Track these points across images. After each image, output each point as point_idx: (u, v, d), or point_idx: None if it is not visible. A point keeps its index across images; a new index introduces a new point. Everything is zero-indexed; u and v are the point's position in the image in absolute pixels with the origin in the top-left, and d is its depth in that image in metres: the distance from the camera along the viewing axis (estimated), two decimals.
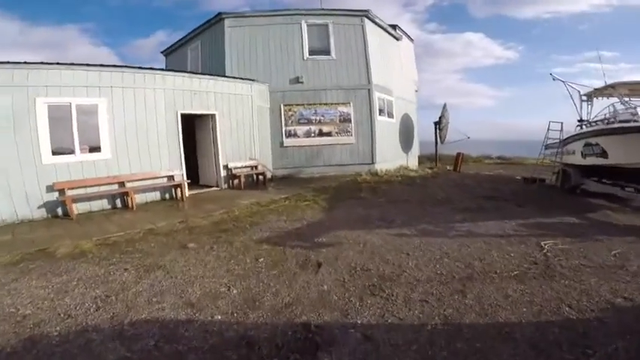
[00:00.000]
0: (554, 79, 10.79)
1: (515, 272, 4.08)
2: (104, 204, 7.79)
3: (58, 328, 2.99)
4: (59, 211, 7.19)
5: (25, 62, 6.93)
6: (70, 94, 7.32)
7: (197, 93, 9.63)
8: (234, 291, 3.74)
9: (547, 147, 12.09)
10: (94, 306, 3.38)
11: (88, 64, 7.66)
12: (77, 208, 7.31)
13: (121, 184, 7.90)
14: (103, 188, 7.64)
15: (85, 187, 7.41)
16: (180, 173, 9.03)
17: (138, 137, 8.27)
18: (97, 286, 3.85)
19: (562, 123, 10.91)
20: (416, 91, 19.38)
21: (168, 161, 8.83)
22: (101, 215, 7.27)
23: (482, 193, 9.82)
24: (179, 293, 3.67)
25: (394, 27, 15.86)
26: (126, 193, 7.80)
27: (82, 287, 3.83)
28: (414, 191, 10.06)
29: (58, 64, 7.25)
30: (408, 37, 17.99)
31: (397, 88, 15.44)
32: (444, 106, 16.96)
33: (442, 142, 17.08)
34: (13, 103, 6.72)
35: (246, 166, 10.97)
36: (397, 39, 16.14)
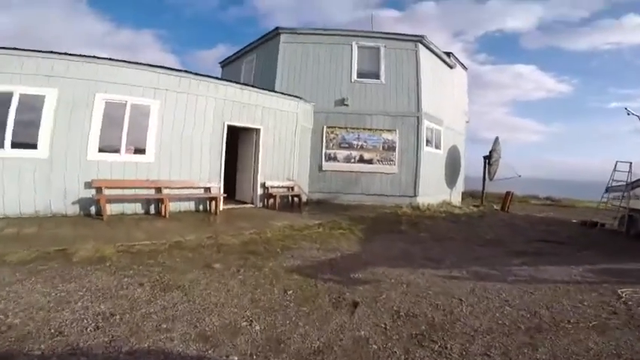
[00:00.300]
0: (628, 114, 10.09)
1: (594, 322, 3.60)
2: (137, 208, 7.65)
3: (42, 347, 2.56)
4: (92, 209, 7.11)
5: (94, 56, 7.13)
6: (128, 92, 7.42)
7: (246, 105, 9.55)
8: (257, 327, 3.16)
9: (609, 190, 10.89)
10: (92, 324, 2.93)
11: (150, 65, 7.79)
12: (110, 209, 7.20)
13: (158, 189, 7.76)
14: (139, 192, 7.53)
15: (123, 188, 7.32)
16: (217, 186, 8.81)
17: (182, 144, 8.19)
18: (105, 300, 3.44)
19: (631, 163, 9.89)
20: (467, 122, 18.46)
21: (207, 172, 8.67)
22: (132, 219, 7.10)
23: (536, 235, 8.92)
24: (194, 322, 3.15)
25: (448, 54, 15.31)
26: (161, 200, 7.63)
27: (87, 299, 3.43)
28: (460, 229, 9.15)
29: (123, 61, 7.45)
30: (462, 65, 17.35)
31: (447, 117, 14.69)
32: (496, 139, 15.86)
33: (491, 179, 15.86)
34: (74, 96, 6.88)
35: (282, 187, 10.61)
36: (451, 67, 15.54)
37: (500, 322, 3.60)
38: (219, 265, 4.83)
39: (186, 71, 8.40)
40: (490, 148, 15.74)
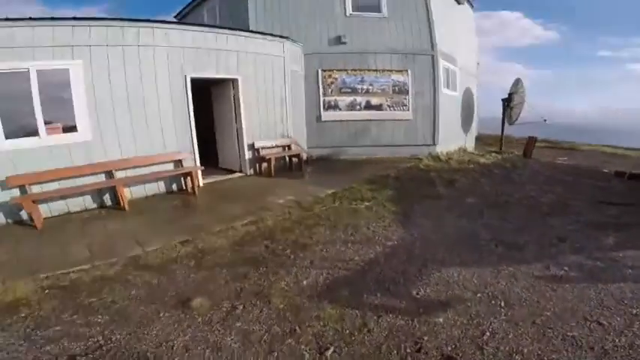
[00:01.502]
0: None
1: None
2: (87, 202, 5.60)
3: None
4: (23, 214, 5.05)
5: None
6: (29, 57, 5.00)
7: (214, 52, 7.15)
8: None
9: None
10: None
11: (53, 18, 5.28)
12: (50, 210, 5.19)
13: (109, 173, 5.66)
14: (82, 181, 5.41)
15: (57, 179, 5.20)
16: (190, 157, 6.72)
17: (131, 111, 5.93)
18: None
19: None
20: (477, 63, 16.34)
21: (175, 141, 6.52)
22: (79, 221, 5.05)
23: (592, 194, 7.21)
24: None
25: None
26: (115, 187, 5.57)
27: None
28: (505, 187, 7.40)
29: (6, 19, 4.91)
30: (469, 2, 14.86)
31: (460, 57, 12.64)
32: (518, 81, 13.72)
33: (511, 123, 14.01)
34: None
35: (277, 146, 8.58)
36: (459, 3, 13.14)
37: None
38: (202, 301, 2.97)
39: (115, 18, 5.85)
40: (509, 91, 13.70)
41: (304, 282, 3.32)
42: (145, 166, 6.08)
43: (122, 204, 5.48)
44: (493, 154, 12.28)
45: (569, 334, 2.54)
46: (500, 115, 13.99)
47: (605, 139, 20.55)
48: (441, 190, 6.75)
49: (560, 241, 4.41)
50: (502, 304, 2.96)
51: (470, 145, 14.48)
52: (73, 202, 5.42)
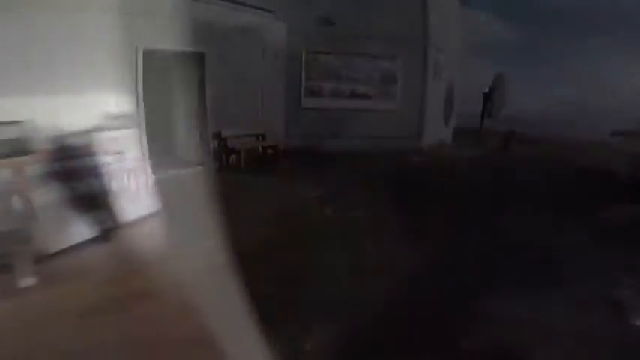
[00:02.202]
0: None
1: None
2: None
3: None
4: None
5: None
6: None
7: (178, 20, 5.80)
8: None
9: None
10: None
11: None
12: None
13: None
14: None
15: None
16: (136, 147, 5.35)
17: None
18: None
19: None
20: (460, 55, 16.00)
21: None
22: None
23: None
24: None
25: None
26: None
27: None
28: (508, 188, 6.64)
29: None
30: None
31: (448, 47, 12.00)
32: (501, 77, 13.41)
33: (490, 116, 13.79)
34: None
35: (249, 136, 7.48)
36: None
37: None
38: None
39: None
40: (490, 85, 13.38)
41: (307, 345, 2.27)
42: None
43: None
44: (474, 149, 11.90)
45: None
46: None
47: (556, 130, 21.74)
48: (440, 192, 5.97)
49: (600, 270, 3.66)
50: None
51: (448, 136, 14.12)
52: None
